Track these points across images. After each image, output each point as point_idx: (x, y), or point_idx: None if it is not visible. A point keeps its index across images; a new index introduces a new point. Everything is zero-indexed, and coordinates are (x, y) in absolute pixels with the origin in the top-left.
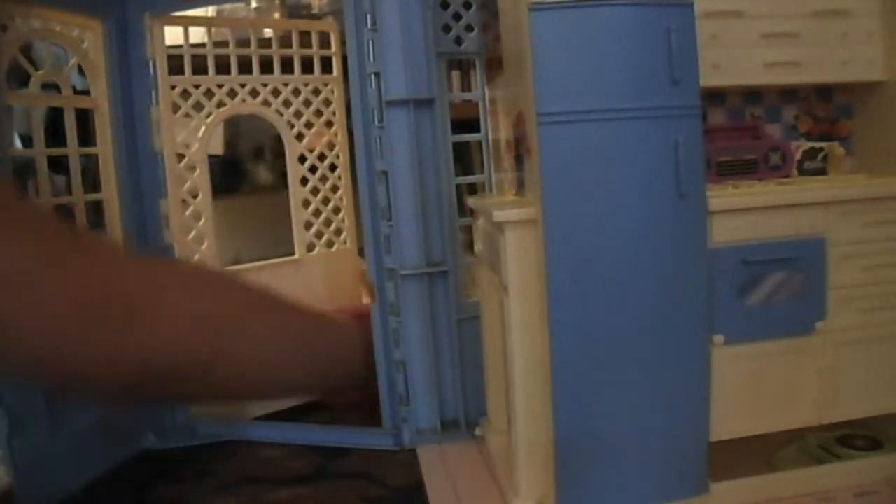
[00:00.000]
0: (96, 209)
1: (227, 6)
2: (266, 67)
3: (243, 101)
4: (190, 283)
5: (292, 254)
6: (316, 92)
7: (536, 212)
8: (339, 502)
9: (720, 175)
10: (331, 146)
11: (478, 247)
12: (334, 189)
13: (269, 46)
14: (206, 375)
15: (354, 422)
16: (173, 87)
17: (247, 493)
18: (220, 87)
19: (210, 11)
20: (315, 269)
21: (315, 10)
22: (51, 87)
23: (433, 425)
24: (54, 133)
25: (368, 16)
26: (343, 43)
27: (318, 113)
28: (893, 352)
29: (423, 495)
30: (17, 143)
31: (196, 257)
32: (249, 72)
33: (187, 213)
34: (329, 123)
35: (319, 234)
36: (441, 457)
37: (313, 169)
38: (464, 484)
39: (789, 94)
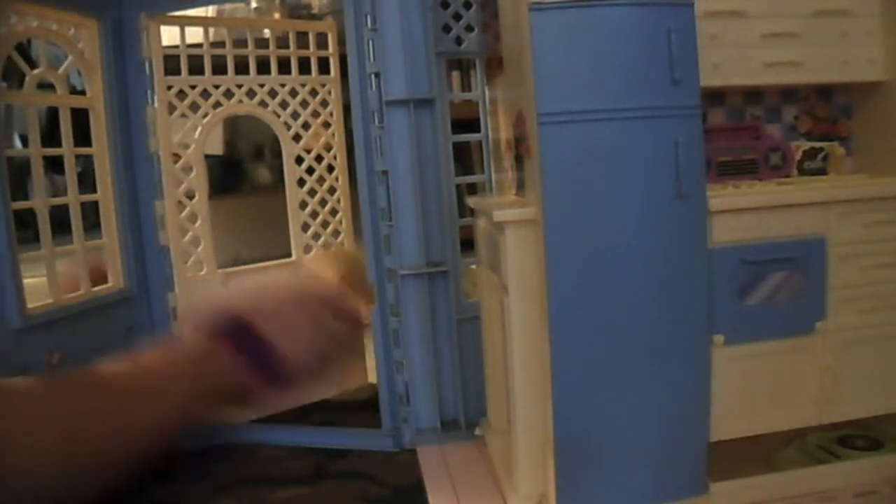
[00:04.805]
0: (94, 210)
1: (227, 6)
2: (263, 68)
3: (240, 101)
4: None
5: (290, 255)
6: (313, 93)
7: (536, 212)
8: (339, 502)
9: (720, 175)
10: (328, 147)
11: (478, 247)
12: (332, 191)
13: (267, 47)
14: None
15: (354, 422)
16: (169, 88)
17: (246, 493)
18: (216, 87)
19: (209, 11)
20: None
21: (315, 10)
22: (49, 86)
23: (433, 425)
24: (56, 133)
25: (368, 16)
26: (341, 43)
27: (315, 114)
28: (893, 352)
29: (423, 495)
30: (17, 143)
31: (192, 259)
32: (247, 72)
33: (183, 214)
34: (326, 124)
35: (317, 236)
36: (441, 457)
37: (310, 170)
38: (464, 484)
39: (789, 94)
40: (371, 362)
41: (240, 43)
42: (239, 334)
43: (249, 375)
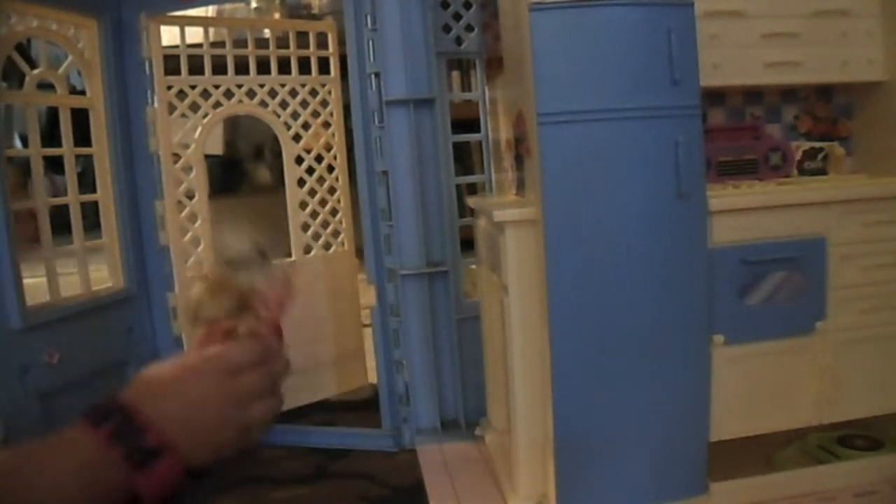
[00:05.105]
0: (94, 210)
1: (227, 6)
2: (263, 68)
3: (240, 101)
4: None
5: (290, 255)
6: (313, 93)
7: (536, 212)
8: (339, 502)
9: (720, 175)
10: (328, 147)
11: (478, 247)
12: (332, 191)
13: (267, 47)
14: None
15: (354, 422)
16: (169, 88)
17: (247, 493)
18: (216, 87)
19: (209, 11)
20: (312, 271)
21: (315, 10)
22: (49, 86)
23: (433, 425)
24: (56, 133)
25: (368, 16)
26: (341, 43)
27: (315, 114)
28: (893, 352)
29: (424, 495)
30: (17, 143)
31: (192, 259)
32: (247, 72)
33: (183, 214)
34: (326, 124)
35: (317, 236)
36: (441, 457)
37: (311, 170)
38: (464, 484)
39: (789, 94)
40: (371, 362)
41: (240, 43)
42: (120, 423)
43: (123, 470)
